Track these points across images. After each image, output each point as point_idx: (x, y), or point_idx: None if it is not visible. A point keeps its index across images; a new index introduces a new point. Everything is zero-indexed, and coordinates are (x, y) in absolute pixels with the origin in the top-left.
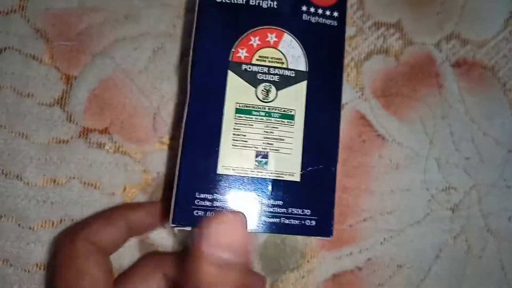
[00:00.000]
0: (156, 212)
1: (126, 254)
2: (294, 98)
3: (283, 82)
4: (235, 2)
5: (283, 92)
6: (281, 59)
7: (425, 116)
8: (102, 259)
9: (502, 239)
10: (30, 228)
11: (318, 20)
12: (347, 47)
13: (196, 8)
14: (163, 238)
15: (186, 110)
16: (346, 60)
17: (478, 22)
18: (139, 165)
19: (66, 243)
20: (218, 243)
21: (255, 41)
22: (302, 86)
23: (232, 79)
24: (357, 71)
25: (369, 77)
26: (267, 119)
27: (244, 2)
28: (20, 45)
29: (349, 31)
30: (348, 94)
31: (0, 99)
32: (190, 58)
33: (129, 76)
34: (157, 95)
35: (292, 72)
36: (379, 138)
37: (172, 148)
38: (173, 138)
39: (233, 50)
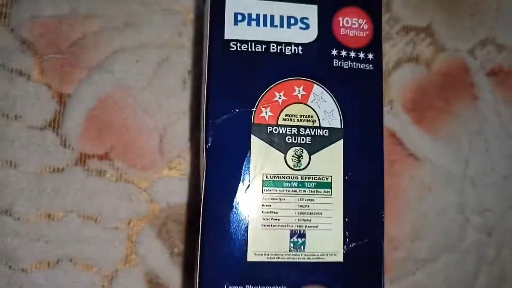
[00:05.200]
0: None
1: None
2: (330, 162)
3: (316, 143)
4: (253, 50)
5: (317, 156)
6: (312, 116)
7: (459, 131)
8: None
9: None
10: (22, 270)
11: (351, 64)
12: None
13: (206, 58)
14: (172, 277)
15: (203, 185)
16: None
17: None
18: (145, 194)
19: None
20: None
21: (280, 97)
22: (338, 146)
23: (256, 145)
24: (385, 82)
25: (399, 88)
26: (301, 191)
27: (263, 50)
28: (4, 59)
29: None
30: None
31: None
32: (203, 121)
33: (130, 93)
34: (163, 114)
35: (326, 130)
36: (410, 158)
37: (183, 174)
38: (183, 162)
39: (254, 110)
